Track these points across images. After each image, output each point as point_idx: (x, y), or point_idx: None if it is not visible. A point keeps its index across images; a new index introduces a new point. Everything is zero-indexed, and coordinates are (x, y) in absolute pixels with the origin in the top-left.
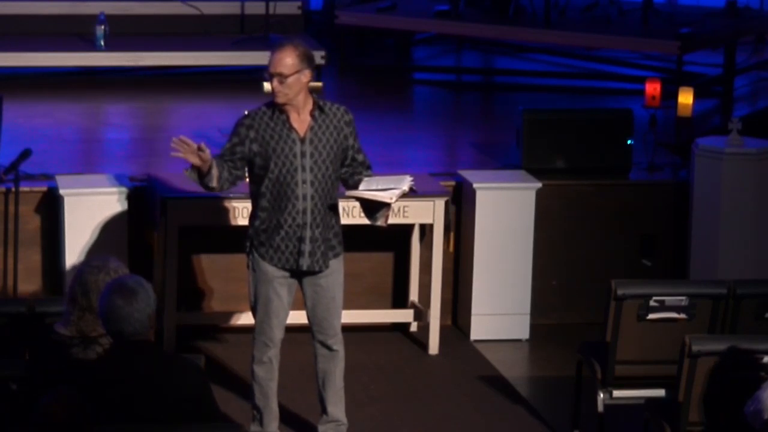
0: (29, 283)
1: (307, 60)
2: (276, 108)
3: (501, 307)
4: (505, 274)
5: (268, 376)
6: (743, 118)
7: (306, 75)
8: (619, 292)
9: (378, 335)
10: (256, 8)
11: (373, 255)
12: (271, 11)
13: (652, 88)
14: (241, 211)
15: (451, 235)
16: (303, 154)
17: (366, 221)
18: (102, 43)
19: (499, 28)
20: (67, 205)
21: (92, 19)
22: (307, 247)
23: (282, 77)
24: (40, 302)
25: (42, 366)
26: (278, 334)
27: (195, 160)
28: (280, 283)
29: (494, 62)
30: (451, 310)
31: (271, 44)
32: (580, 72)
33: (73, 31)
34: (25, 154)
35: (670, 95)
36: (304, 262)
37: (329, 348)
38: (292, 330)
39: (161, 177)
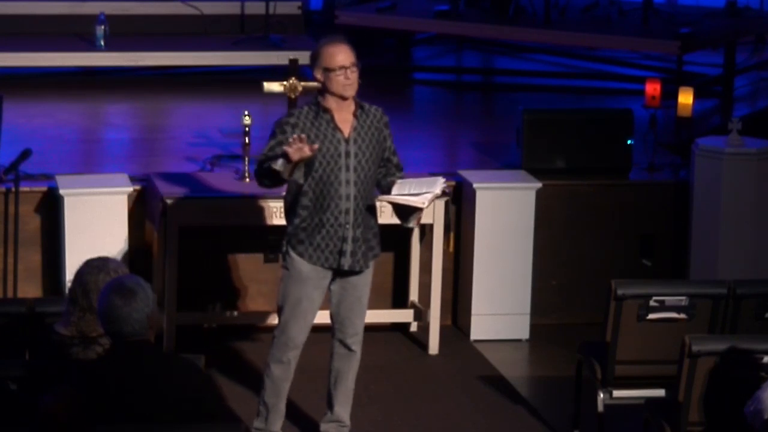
0: (29, 283)
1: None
2: (320, 108)
3: (501, 307)
4: (505, 274)
5: (283, 376)
6: (743, 118)
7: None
8: (619, 292)
9: (378, 335)
10: (256, 8)
11: None
12: (271, 11)
13: (652, 88)
14: (240, 211)
15: (451, 235)
16: (347, 154)
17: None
18: (102, 43)
19: (499, 28)
20: (67, 205)
21: (92, 19)
22: (349, 247)
23: (354, 66)
24: (40, 302)
25: (42, 366)
26: (302, 337)
27: (308, 153)
28: (313, 285)
29: (494, 62)
30: (451, 310)
31: (320, 43)
32: (580, 72)
33: (73, 31)
34: (25, 154)
35: (670, 95)
36: (346, 262)
37: (348, 347)
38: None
39: (161, 177)
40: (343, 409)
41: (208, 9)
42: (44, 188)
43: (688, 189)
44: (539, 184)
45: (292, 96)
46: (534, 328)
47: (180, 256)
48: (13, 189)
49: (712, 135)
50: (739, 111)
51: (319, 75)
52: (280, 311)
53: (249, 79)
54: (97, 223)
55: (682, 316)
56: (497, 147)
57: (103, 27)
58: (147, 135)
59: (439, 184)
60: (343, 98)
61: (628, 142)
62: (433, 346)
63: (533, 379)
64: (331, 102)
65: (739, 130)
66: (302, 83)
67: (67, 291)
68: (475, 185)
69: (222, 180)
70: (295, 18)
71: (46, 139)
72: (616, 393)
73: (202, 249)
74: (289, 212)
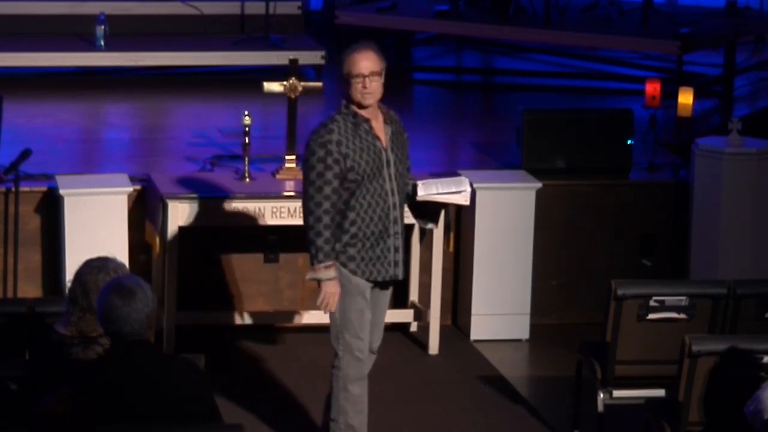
0: (29, 283)
1: (385, 59)
2: (356, 117)
3: (501, 307)
4: (505, 274)
5: (362, 392)
6: (743, 118)
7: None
8: (619, 292)
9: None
10: (256, 8)
11: None
12: (271, 11)
13: (652, 88)
14: (240, 211)
15: (451, 235)
16: (388, 163)
17: None
18: (102, 43)
19: (499, 28)
20: (67, 205)
21: (92, 19)
22: (400, 257)
23: (374, 75)
24: (40, 302)
25: (42, 366)
26: (367, 345)
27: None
28: (368, 295)
29: (494, 62)
30: (451, 310)
31: (348, 49)
32: (580, 72)
33: (73, 31)
34: (25, 154)
35: (670, 95)
36: (399, 272)
37: (372, 351)
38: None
39: (161, 177)
40: None
41: (208, 9)
42: (44, 188)
43: (688, 189)
44: (539, 184)
45: (292, 96)
46: (534, 328)
47: (180, 256)
48: (13, 189)
49: (712, 135)
50: (739, 111)
51: (343, 80)
52: (340, 330)
53: (249, 79)
54: (97, 223)
55: (682, 316)
56: (497, 147)
57: (103, 27)
58: (147, 135)
59: (465, 182)
60: (361, 106)
61: (628, 142)
62: (433, 346)
63: (533, 379)
64: (358, 107)
65: (739, 130)
66: (302, 83)
67: (67, 291)
68: (475, 185)
69: (222, 180)
70: (295, 18)
71: (46, 139)
72: (616, 393)
73: (202, 249)
74: (337, 227)
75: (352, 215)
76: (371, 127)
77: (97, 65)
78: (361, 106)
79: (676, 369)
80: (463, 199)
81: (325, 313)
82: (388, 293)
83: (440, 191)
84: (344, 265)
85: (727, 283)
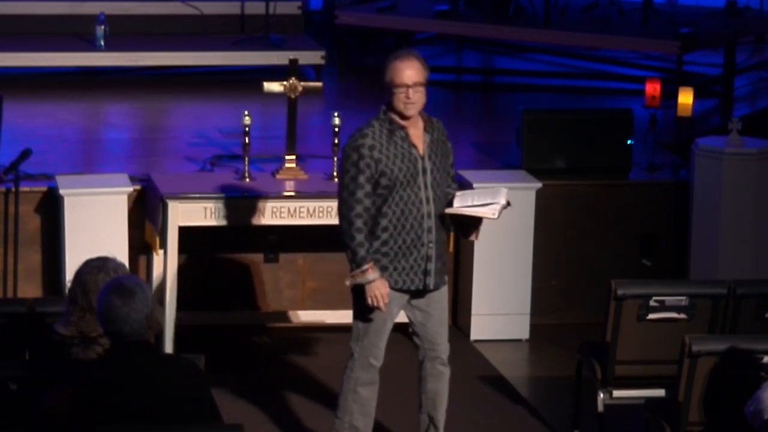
0: (29, 283)
1: (428, 68)
2: (393, 124)
3: (501, 307)
4: (505, 274)
5: (372, 396)
6: (743, 118)
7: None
8: (619, 292)
9: None
10: (256, 8)
11: None
12: (271, 11)
13: (652, 88)
14: (240, 212)
15: (451, 235)
16: (424, 171)
17: None
18: (102, 43)
19: (499, 28)
20: (67, 205)
21: (92, 19)
22: (432, 266)
23: (418, 86)
24: (40, 302)
25: (42, 366)
26: (383, 353)
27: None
28: (396, 304)
29: (494, 62)
30: (451, 310)
31: (392, 58)
32: (580, 72)
33: (73, 31)
34: (25, 154)
35: (670, 95)
36: (431, 281)
37: (443, 363)
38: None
39: (161, 177)
40: (442, 427)
41: (208, 9)
42: (44, 188)
43: (688, 189)
44: (539, 184)
45: (292, 96)
46: (534, 328)
47: (180, 256)
48: (13, 189)
49: (712, 135)
50: (739, 111)
51: (385, 88)
52: (360, 334)
53: (249, 79)
54: (97, 223)
55: (682, 316)
56: (497, 147)
57: (103, 27)
58: (147, 135)
59: (503, 194)
60: (403, 116)
61: (628, 142)
62: None
63: (533, 379)
64: (399, 117)
65: (739, 130)
66: (302, 83)
67: (67, 291)
68: (475, 185)
69: (222, 180)
70: (295, 18)
71: (46, 139)
72: (616, 393)
73: (202, 249)
74: (368, 234)
75: (384, 222)
76: (407, 134)
77: (97, 65)
78: (402, 116)
79: (676, 369)
80: (491, 213)
81: (380, 310)
82: (442, 302)
83: (475, 203)
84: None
85: (727, 283)
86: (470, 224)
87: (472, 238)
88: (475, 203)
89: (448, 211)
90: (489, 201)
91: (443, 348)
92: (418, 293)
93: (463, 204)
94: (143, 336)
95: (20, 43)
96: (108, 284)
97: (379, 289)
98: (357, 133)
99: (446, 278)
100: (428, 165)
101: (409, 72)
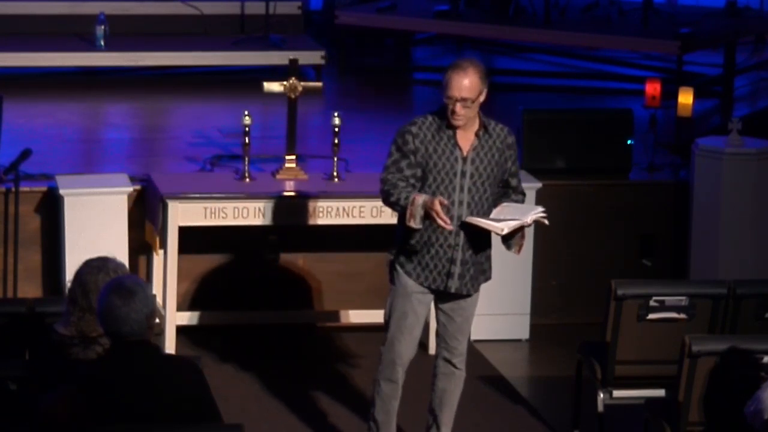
0: (29, 283)
1: (487, 79)
2: (444, 122)
3: (501, 307)
4: (505, 274)
5: (393, 394)
6: (743, 118)
7: (484, 94)
8: (619, 292)
9: (378, 335)
10: (256, 8)
11: (373, 255)
12: (271, 11)
13: (652, 88)
14: (240, 212)
15: None
16: (463, 174)
17: (360, 221)
18: (102, 43)
19: (499, 28)
20: (67, 205)
21: (92, 19)
22: (457, 270)
23: (466, 101)
24: (40, 302)
25: (42, 366)
26: (409, 353)
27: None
28: (418, 299)
29: (494, 62)
30: None
31: (452, 65)
32: (580, 72)
33: (73, 31)
34: (25, 154)
35: (670, 95)
36: (453, 285)
37: (454, 366)
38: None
39: (161, 177)
40: (447, 430)
41: (208, 9)
42: (44, 188)
43: (688, 189)
44: (539, 184)
45: (292, 96)
46: (534, 328)
47: (180, 256)
48: (13, 189)
49: (712, 135)
50: (739, 111)
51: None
52: (386, 327)
53: (249, 79)
54: (97, 223)
55: (682, 316)
56: None
57: (103, 27)
58: (147, 135)
59: (531, 214)
60: (450, 124)
61: (628, 142)
62: (433, 346)
63: (533, 379)
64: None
65: (739, 130)
66: (302, 83)
67: (67, 291)
68: None
69: (222, 180)
70: (295, 18)
71: (46, 139)
72: (616, 393)
73: (202, 249)
74: (398, 228)
75: None
76: (455, 134)
77: (97, 65)
78: (450, 124)
79: (676, 369)
80: (499, 228)
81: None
82: (467, 309)
83: (507, 217)
84: (402, 265)
85: (727, 283)
86: (510, 236)
87: (513, 251)
88: (507, 217)
89: (466, 219)
90: (516, 217)
91: (458, 353)
92: (444, 295)
93: (497, 216)
94: (143, 336)
95: (20, 43)
96: (108, 284)
97: (417, 202)
98: (409, 121)
99: (479, 287)
100: (469, 169)
101: (460, 85)
